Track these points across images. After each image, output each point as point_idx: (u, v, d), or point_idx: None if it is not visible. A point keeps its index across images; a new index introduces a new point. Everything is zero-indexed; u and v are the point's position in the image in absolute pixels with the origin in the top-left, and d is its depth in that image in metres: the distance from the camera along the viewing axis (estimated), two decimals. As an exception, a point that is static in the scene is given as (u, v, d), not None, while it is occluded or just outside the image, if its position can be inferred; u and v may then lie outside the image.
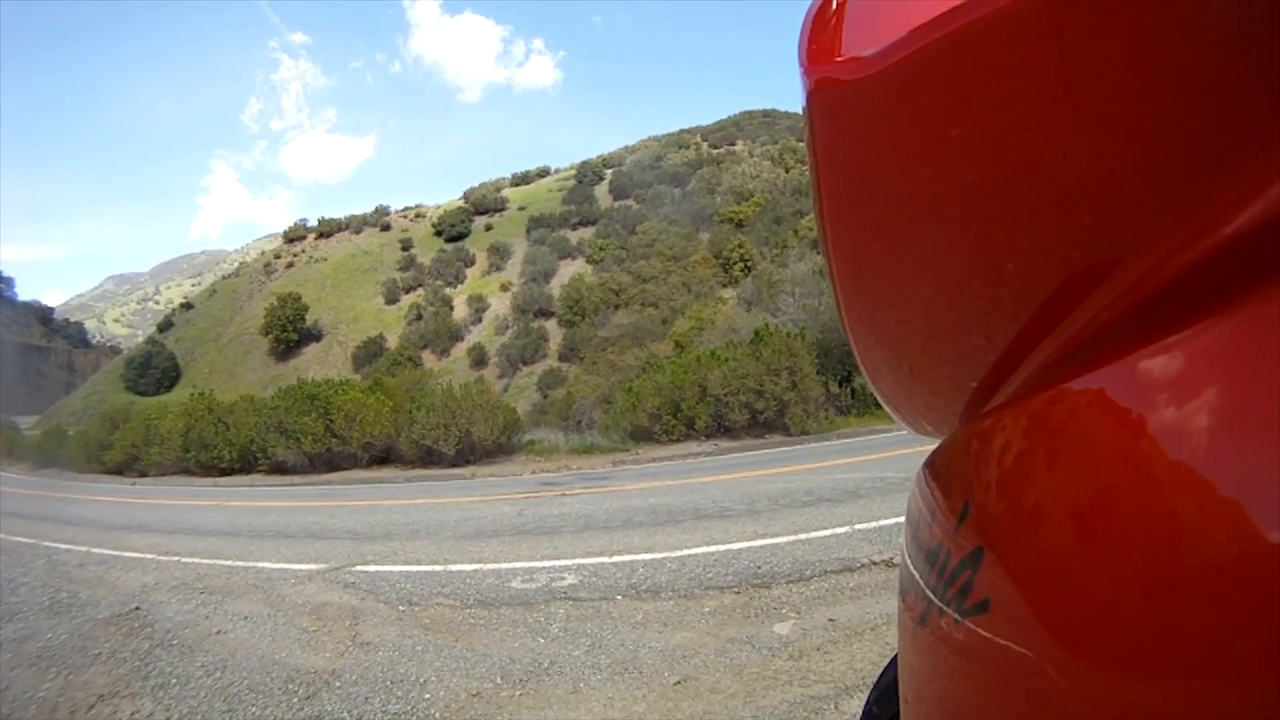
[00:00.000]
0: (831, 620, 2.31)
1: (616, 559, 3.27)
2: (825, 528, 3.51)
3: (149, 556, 4.62)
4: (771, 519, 3.93)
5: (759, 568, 2.90)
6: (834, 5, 0.31)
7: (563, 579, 3.01)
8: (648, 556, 3.25)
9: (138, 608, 3.37)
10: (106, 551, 4.95)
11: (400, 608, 2.86)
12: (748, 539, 3.42)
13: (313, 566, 3.79)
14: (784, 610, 2.43)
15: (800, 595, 2.56)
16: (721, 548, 3.29)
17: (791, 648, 2.12)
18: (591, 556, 3.36)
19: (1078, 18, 0.20)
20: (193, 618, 3.11)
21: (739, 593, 2.64)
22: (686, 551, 3.28)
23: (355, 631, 2.64)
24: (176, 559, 4.47)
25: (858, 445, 8.68)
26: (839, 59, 0.29)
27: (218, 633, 2.86)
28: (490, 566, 3.35)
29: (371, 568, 3.62)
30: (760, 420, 10.97)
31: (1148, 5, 0.19)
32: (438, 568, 3.44)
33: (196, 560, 4.35)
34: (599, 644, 2.25)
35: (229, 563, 4.16)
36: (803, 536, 3.37)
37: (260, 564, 4.03)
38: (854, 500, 4.33)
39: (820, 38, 0.30)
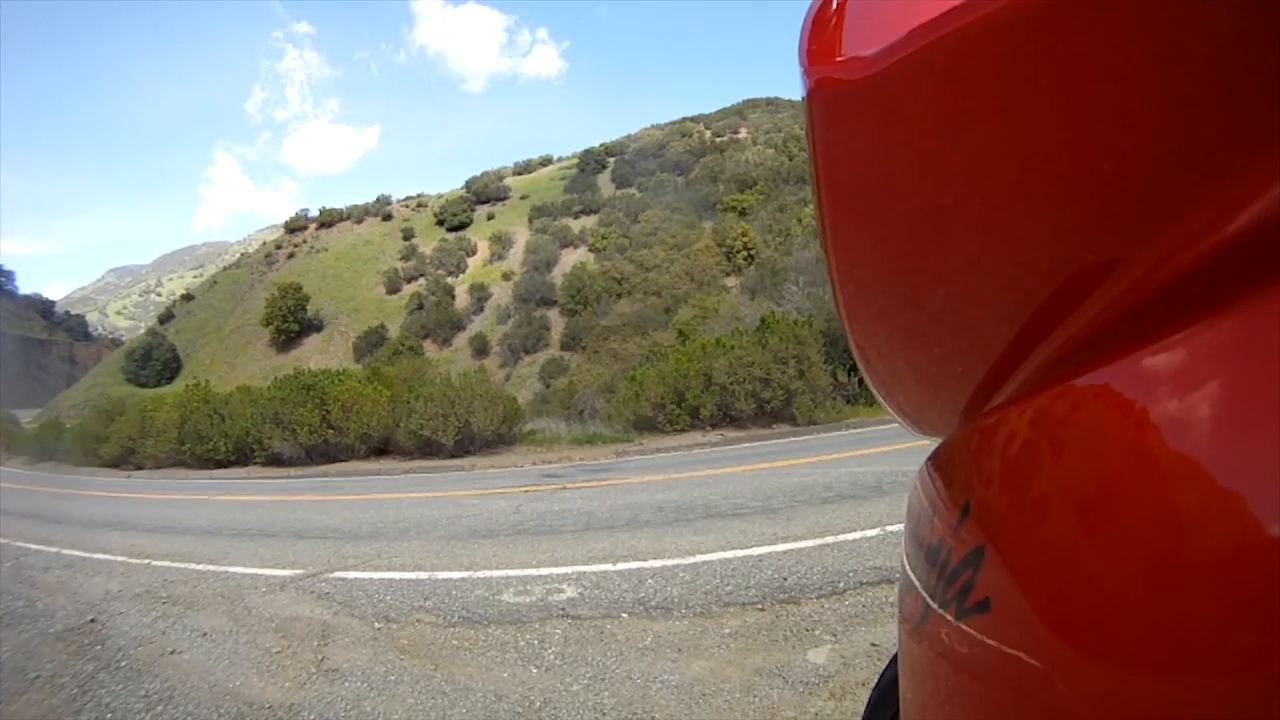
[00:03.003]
0: (874, 645, 1.96)
1: (621, 566, 2.91)
2: (853, 529, 3.15)
3: (119, 559, 4.30)
4: (791, 518, 3.58)
5: (784, 579, 2.54)
6: (834, 5, 0.30)
7: (561, 591, 2.66)
8: (657, 564, 2.89)
9: (93, 620, 3.05)
10: (77, 553, 4.65)
11: (376, 625, 2.52)
12: (768, 543, 3.06)
13: (287, 572, 3.45)
14: (817, 632, 2.08)
15: (835, 613, 2.21)
16: (740, 553, 2.93)
17: (831, 683, 1.77)
18: (593, 563, 3.01)
19: (1077, 18, 0.20)
20: (149, 633, 2.78)
21: (763, 609, 2.29)
22: (700, 558, 2.92)
23: (322, 655, 2.30)
24: (147, 562, 4.15)
25: (869, 436, 8.34)
26: (839, 59, 0.28)
27: (172, 653, 2.54)
28: (480, 574, 3.00)
29: (351, 574, 3.28)
30: (767, 410, 10.65)
31: (1147, 6, 0.19)
32: (422, 575, 3.10)
33: (167, 564, 4.03)
34: (602, 676, 1.90)
35: (200, 567, 3.83)
36: (829, 540, 3.01)
37: (233, 568, 3.70)
38: (879, 497, 3.97)
39: (820, 38, 0.30)
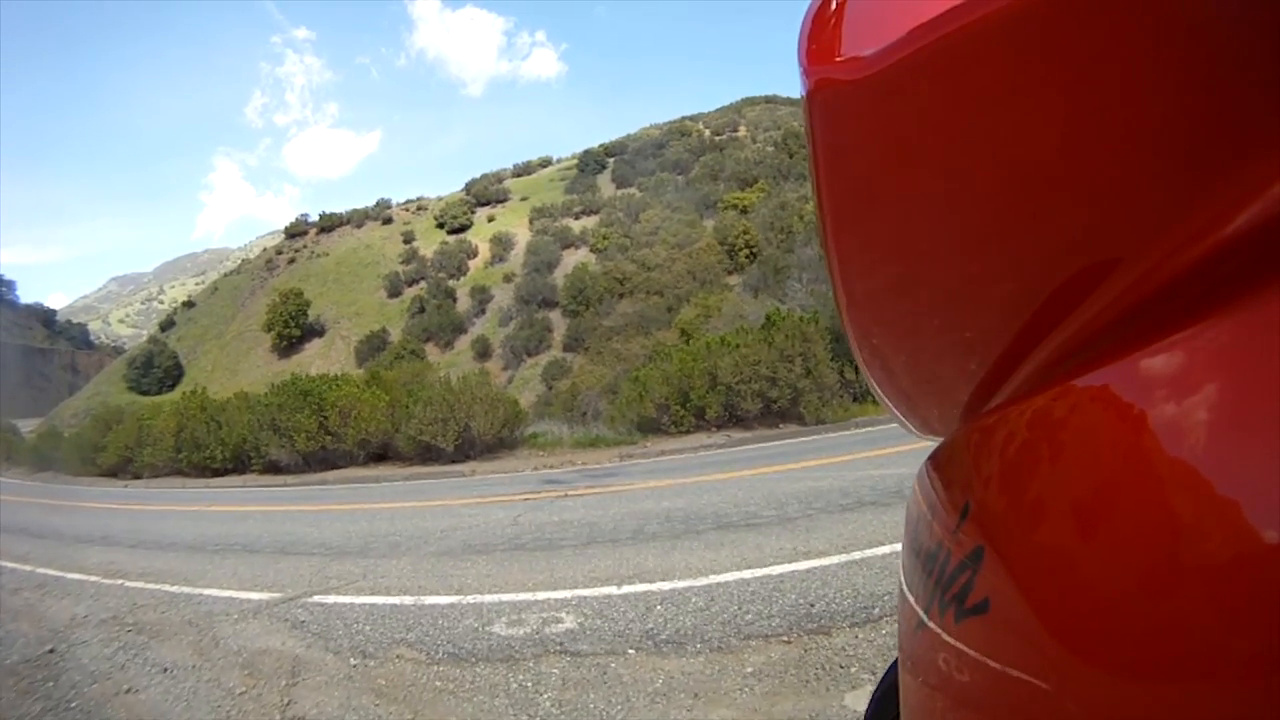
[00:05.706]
0: (923, 687, 1.68)
1: (627, 589, 2.63)
2: (881, 543, 2.86)
3: (92, 579, 4.05)
4: (811, 529, 3.29)
5: (811, 604, 2.25)
6: (834, 5, 0.30)
7: (559, 621, 2.37)
8: (666, 586, 2.61)
9: (51, 650, 2.80)
10: (51, 572, 4.40)
11: (351, 661, 2.25)
12: (788, 559, 2.78)
13: (264, 596, 3.19)
14: (854, 669, 1.80)
15: (871, 645, 1.92)
16: (758, 572, 2.64)
17: (878, 738, 1.49)
18: (596, 585, 2.72)
19: (1078, 17, 0.20)
20: (107, 667, 2.53)
21: (789, 642, 2.00)
22: (715, 578, 2.63)
23: (289, 697, 2.03)
24: (121, 583, 3.89)
25: (880, 435, 8.03)
26: (839, 59, 0.28)
27: (127, 691, 2.28)
28: (471, 600, 2.72)
29: (331, 598, 3.00)
30: (774, 409, 10.36)
31: (1147, 5, 0.19)
32: (408, 600, 2.82)
33: (141, 585, 3.77)
34: (605, 730, 1.62)
35: (174, 588, 3.57)
36: (856, 555, 2.73)
37: (207, 590, 3.44)
38: (902, 503, 3.67)
39: (820, 37, 0.30)
